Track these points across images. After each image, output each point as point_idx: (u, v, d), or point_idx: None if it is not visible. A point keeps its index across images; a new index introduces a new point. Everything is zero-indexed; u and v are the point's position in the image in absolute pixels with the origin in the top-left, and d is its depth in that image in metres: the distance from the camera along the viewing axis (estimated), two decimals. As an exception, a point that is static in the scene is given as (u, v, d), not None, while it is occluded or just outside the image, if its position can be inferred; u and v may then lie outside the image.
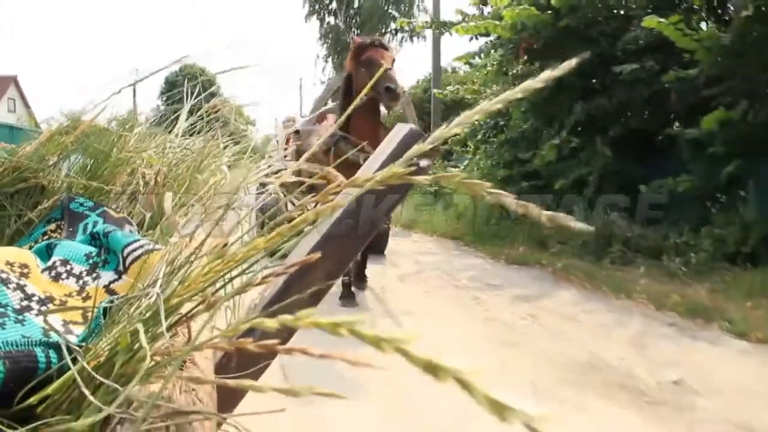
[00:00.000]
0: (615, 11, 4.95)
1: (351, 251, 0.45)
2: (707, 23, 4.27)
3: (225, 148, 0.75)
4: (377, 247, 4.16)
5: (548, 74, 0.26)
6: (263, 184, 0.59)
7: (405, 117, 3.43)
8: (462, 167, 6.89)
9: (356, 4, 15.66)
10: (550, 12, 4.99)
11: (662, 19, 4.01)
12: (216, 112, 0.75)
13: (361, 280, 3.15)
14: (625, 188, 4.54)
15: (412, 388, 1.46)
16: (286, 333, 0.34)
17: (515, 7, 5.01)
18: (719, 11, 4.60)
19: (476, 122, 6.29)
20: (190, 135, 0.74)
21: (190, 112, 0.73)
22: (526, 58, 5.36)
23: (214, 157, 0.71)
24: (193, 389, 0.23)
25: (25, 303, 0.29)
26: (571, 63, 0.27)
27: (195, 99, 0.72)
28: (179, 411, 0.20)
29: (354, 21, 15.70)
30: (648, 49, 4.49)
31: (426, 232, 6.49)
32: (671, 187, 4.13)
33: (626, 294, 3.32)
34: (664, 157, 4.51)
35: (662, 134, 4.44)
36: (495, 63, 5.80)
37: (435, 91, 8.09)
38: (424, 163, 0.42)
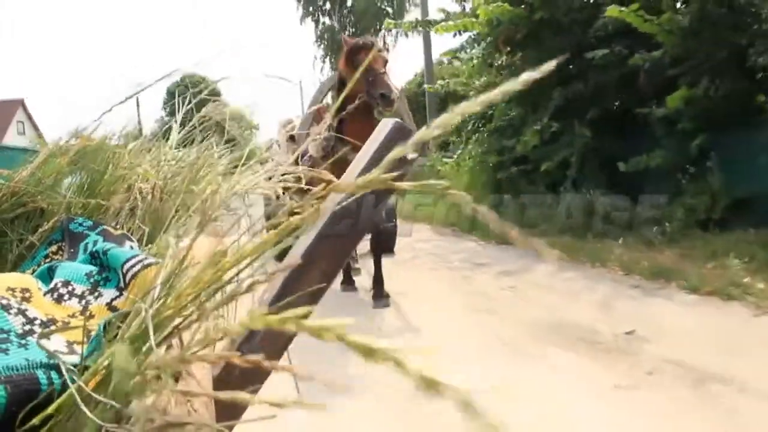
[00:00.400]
0: (586, 0, 4.94)
1: (346, 250, 0.44)
2: (673, 5, 4.29)
3: (220, 157, 0.73)
4: (386, 246, 3.94)
5: (528, 76, 0.25)
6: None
7: (399, 111, 3.40)
8: (456, 157, 6.91)
9: (349, 3, 15.11)
10: (523, 6, 4.99)
11: (623, 8, 4.09)
12: (209, 120, 0.73)
13: (380, 292, 2.83)
14: (604, 166, 4.63)
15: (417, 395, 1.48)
16: (285, 339, 0.33)
17: (490, 4, 5.01)
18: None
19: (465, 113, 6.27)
20: (185, 145, 0.72)
21: (188, 122, 0.70)
22: (509, 49, 5.36)
23: (209, 167, 0.70)
24: (188, 400, 0.23)
25: (27, 327, 0.28)
26: (551, 65, 0.25)
27: (193, 108, 0.70)
28: (173, 423, 0.20)
29: (348, 20, 15.14)
30: (617, 35, 4.54)
31: (425, 222, 6.58)
32: (646, 162, 4.19)
33: (601, 263, 3.47)
34: (639, 134, 4.55)
35: (635, 113, 4.50)
36: (479, 57, 5.82)
37: (426, 86, 8.06)
38: (411, 156, 0.41)
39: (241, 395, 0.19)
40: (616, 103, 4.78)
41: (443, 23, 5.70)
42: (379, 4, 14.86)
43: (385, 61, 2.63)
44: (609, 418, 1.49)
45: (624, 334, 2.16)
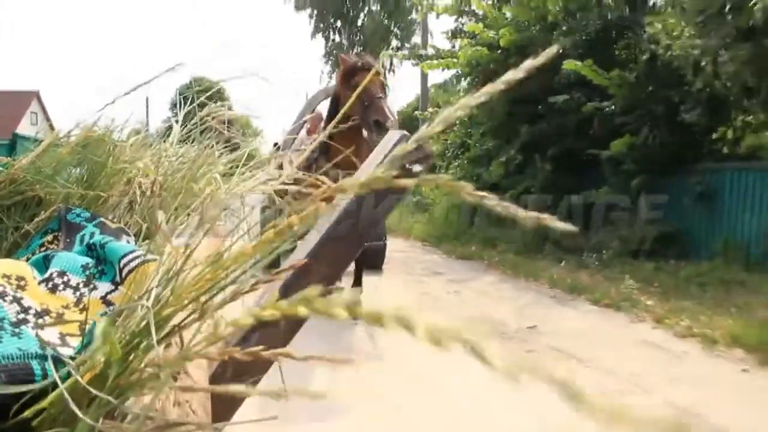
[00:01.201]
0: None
1: (347, 255, 0.41)
2: (632, 59, 4.67)
3: (219, 156, 0.70)
4: (373, 263, 3.85)
5: (512, 75, 0.23)
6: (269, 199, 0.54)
7: None
8: (437, 180, 7.07)
9: (359, 23, 14.45)
10: (500, 51, 5.28)
11: (578, 62, 4.47)
12: (212, 119, 0.70)
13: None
14: (561, 196, 4.89)
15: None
16: (284, 337, 0.32)
17: (469, 48, 5.32)
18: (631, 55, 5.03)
19: (446, 142, 6.52)
20: (185, 144, 0.69)
21: (191, 121, 0.67)
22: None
23: (210, 166, 0.67)
24: (187, 401, 0.21)
25: (21, 316, 0.26)
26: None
27: (195, 108, 0.67)
28: (171, 422, 0.18)
29: (358, 39, 14.31)
30: (577, 84, 4.89)
31: (401, 236, 6.75)
32: (595, 197, 4.49)
33: (534, 278, 3.90)
34: (591, 171, 4.87)
35: (588, 154, 4.80)
36: (464, 90, 6.19)
37: (418, 113, 8.24)
38: (417, 168, 0.37)
39: (241, 389, 0.18)
40: (574, 143, 5.10)
41: (428, 61, 5.98)
42: (387, 25, 14.14)
43: (383, 85, 2.44)
44: (479, 376, 1.88)
45: (526, 328, 2.63)
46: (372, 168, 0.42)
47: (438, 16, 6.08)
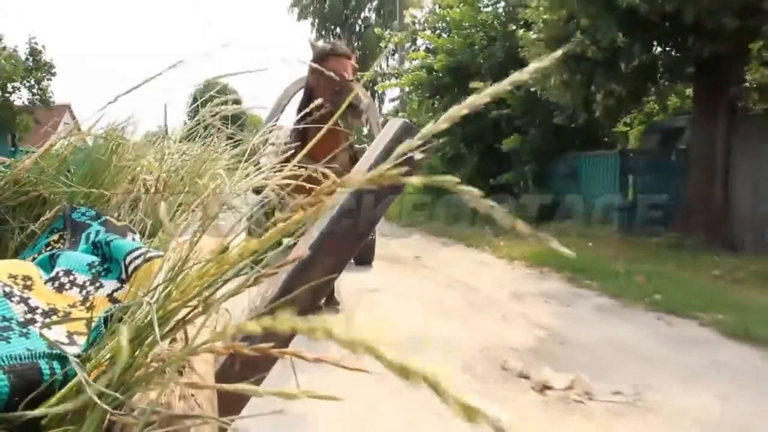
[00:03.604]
0: (473, 72, 5.48)
1: (349, 248, 0.34)
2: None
3: (223, 152, 0.60)
4: (364, 258, 3.21)
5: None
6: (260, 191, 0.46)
7: (369, 124, 2.77)
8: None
9: (358, 29, 12.88)
10: (434, 73, 5.54)
11: (480, 84, 4.86)
12: (214, 115, 0.58)
13: (332, 301, 2.12)
14: (482, 181, 5.21)
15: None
16: (286, 338, 0.24)
17: (410, 72, 5.66)
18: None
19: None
20: (188, 140, 0.57)
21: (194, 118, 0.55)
22: (438, 97, 6.06)
23: (213, 162, 0.57)
24: (192, 395, 0.18)
25: (29, 316, 0.20)
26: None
27: (199, 109, 0.55)
28: (177, 415, 0.15)
29: (357, 44, 12.38)
30: None
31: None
32: (506, 179, 5.01)
33: (442, 235, 4.56)
34: (505, 160, 5.27)
35: (497, 147, 5.19)
36: (416, 101, 6.35)
37: (389, 117, 8.14)
38: (418, 156, 0.33)
39: (248, 387, 0.15)
40: (491, 140, 5.55)
41: (384, 83, 6.19)
42: (386, 32, 13.12)
43: (354, 69, 1.90)
44: (377, 277, 2.78)
45: (414, 258, 3.42)
46: (372, 158, 0.34)
47: (396, 45, 6.13)
